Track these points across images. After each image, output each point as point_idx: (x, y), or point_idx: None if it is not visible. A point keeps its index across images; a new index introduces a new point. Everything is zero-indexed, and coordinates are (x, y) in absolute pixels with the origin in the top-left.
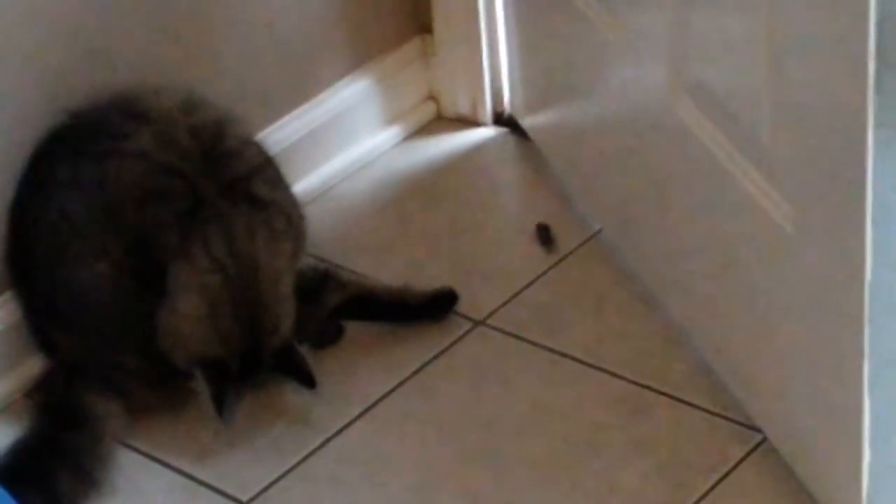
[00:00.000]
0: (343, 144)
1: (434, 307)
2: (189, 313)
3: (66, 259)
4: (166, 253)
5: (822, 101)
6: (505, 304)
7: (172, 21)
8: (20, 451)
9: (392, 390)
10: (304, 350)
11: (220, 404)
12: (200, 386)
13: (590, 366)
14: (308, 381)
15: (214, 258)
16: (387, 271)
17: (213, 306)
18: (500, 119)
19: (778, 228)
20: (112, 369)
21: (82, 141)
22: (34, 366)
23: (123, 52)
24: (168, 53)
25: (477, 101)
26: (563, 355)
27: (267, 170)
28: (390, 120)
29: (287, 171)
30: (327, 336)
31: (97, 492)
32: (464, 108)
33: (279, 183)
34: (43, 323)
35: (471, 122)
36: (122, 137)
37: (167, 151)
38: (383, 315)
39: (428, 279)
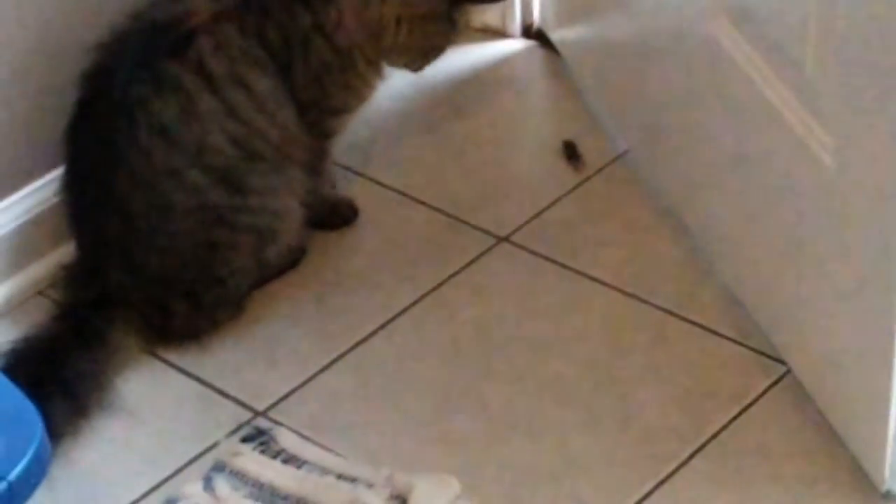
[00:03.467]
0: None
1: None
2: None
3: (158, 172)
4: None
5: (872, 32)
6: (529, 221)
7: None
8: (27, 352)
9: (412, 304)
10: None
11: None
12: None
13: (613, 288)
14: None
15: None
16: (409, 182)
17: None
18: (528, 31)
19: (816, 160)
20: (155, 310)
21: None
22: (50, 263)
23: None
24: None
25: (506, 12)
26: (587, 276)
27: None
28: None
29: None
30: (339, 215)
31: (95, 412)
32: (492, 18)
33: None
34: (103, 255)
35: (499, 34)
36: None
37: None
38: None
39: (451, 193)
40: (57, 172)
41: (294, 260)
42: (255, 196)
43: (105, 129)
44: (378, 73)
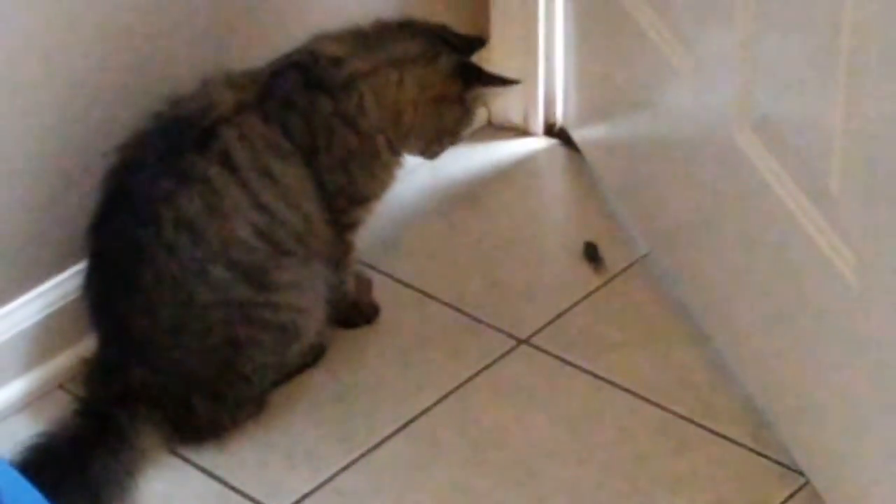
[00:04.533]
0: None
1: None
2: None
3: (183, 268)
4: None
5: None
6: (549, 323)
7: None
8: (48, 449)
9: (431, 406)
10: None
11: None
12: None
13: (633, 394)
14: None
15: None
16: (430, 281)
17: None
18: (551, 130)
19: (839, 276)
20: (177, 406)
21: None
22: (70, 357)
23: None
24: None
25: (529, 110)
26: (607, 381)
27: None
28: None
29: None
30: (361, 314)
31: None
32: (515, 116)
33: None
34: (126, 353)
35: (521, 132)
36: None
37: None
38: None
39: (471, 292)
40: (78, 267)
41: (314, 357)
42: (280, 292)
43: (130, 225)
44: (400, 159)
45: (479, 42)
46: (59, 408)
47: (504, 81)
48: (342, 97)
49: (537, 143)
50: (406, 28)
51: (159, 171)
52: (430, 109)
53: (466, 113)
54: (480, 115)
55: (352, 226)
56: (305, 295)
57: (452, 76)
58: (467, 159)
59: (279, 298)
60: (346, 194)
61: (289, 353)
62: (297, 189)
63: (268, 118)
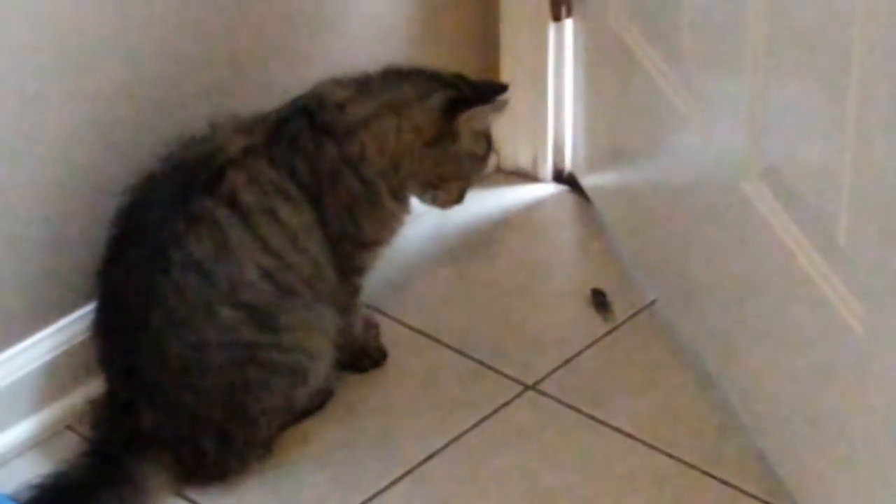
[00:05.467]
0: None
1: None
2: None
3: (192, 308)
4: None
5: None
6: (556, 369)
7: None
8: (55, 489)
9: (437, 451)
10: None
11: None
12: None
13: (639, 440)
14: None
15: None
16: (437, 326)
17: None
18: (559, 176)
19: (846, 325)
20: (186, 449)
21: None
22: (79, 397)
23: None
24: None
25: (538, 156)
26: (613, 428)
27: None
28: None
29: None
30: (368, 358)
31: None
32: (524, 162)
33: None
34: (136, 395)
35: (530, 178)
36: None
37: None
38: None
39: (479, 338)
40: (87, 308)
41: (322, 401)
42: (288, 334)
43: (139, 267)
44: (405, 205)
45: (499, 88)
46: (67, 448)
47: (492, 90)
48: (346, 143)
49: (546, 189)
50: (412, 74)
51: (168, 213)
52: (427, 152)
53: (467, 154)
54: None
55: (358, 270)
56: (313, 338)
57: (445, 114)
58: (476, 205)
59: (287, 340)
60: (351, 238)
61: (297, 396)
62: (305, 232)
63: (275, 162)
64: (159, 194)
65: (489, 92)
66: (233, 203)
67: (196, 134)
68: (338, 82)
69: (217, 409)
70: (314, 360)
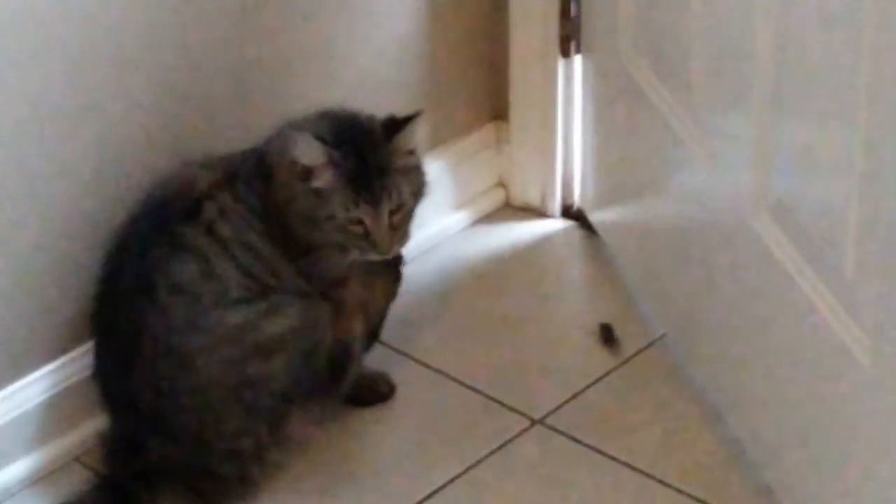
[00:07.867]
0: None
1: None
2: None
3: (178, 330)
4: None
5: None
6: (564, 404)
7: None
8: None
9: (444, 485)
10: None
11: None
12: None
13: (647, 475)
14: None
15: None
16: (444, 360)
17: None
18: (568, 212)
19: (853, 360)
20: (203, 479)
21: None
22: (88, 430)
23: None
24: None
25: (547, 191)
26: (621, 463)
27: None
28: (459, 204)
29: None
30: (375, 391)
31: None
32: (533, 198)
33: None
34: (140, 428)
35: (539, 213)
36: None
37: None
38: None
39: (487, 372)
40: (89, 345)
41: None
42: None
43: (127, 298)
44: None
45: (395, 121)
46: (75, 481)
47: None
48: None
49: (554, 224)
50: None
51: (151, 242)
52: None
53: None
54: (498, 196)
55: (323, 279)
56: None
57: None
58: (485, 240)
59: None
60: (304, 249)
61: (304, 373)
62: (276, 260)
63: (237, 198)
64: (140, 227)
65: (391, 125)
66: (210, 232)
67: (167, 174)
68: (290, 124)
69: (218, 424)
70: (313, 329)
